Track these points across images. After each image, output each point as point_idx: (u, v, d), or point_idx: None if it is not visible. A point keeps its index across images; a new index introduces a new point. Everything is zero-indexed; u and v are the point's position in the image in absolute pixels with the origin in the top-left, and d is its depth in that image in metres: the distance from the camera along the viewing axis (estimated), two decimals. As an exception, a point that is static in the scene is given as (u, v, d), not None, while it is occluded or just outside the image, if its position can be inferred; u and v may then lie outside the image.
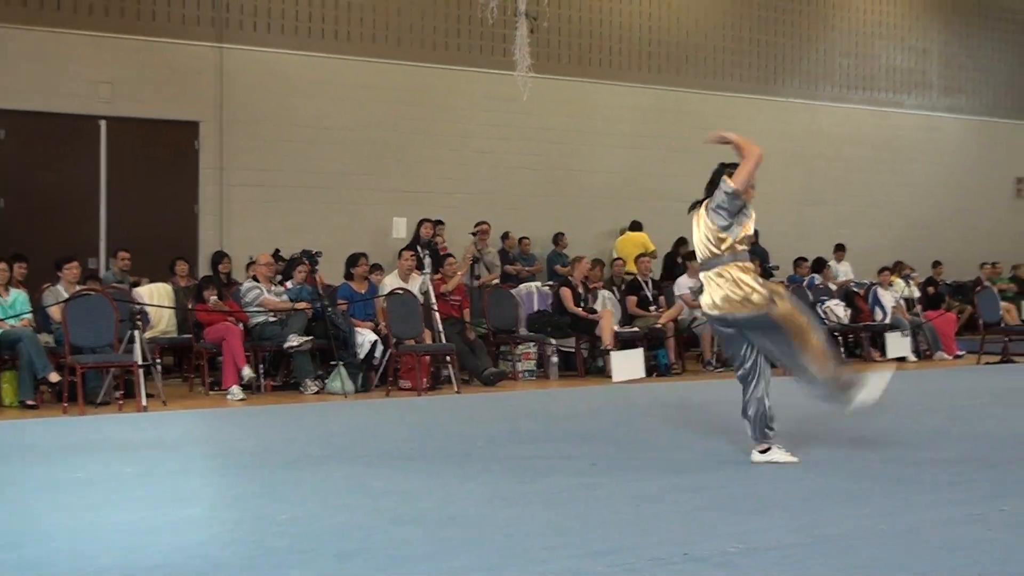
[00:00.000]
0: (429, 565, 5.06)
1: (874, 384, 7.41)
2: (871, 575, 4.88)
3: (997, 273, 22.41)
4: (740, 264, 7.59)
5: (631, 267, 16.98)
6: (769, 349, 7.61)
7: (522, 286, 16.04)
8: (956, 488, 6.82)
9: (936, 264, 22.07)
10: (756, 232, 19.47)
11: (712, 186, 7.88)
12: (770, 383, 7.65)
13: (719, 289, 7.54)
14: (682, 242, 18.82)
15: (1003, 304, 19.14)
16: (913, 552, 5.28)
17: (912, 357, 17.41)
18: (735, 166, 7.81)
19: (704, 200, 7.89)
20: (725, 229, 7.64)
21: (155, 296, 13.69)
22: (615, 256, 18.13)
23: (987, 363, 16.58)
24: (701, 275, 7.77)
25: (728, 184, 7.69)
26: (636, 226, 18.59)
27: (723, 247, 7.62)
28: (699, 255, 7.81)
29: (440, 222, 16.42)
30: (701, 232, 7.75)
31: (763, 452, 7.62)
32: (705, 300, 7.70)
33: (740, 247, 7.68)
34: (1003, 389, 13.05)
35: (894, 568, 4.96)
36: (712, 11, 20.84)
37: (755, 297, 7.42)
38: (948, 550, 5.31)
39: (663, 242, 18.77)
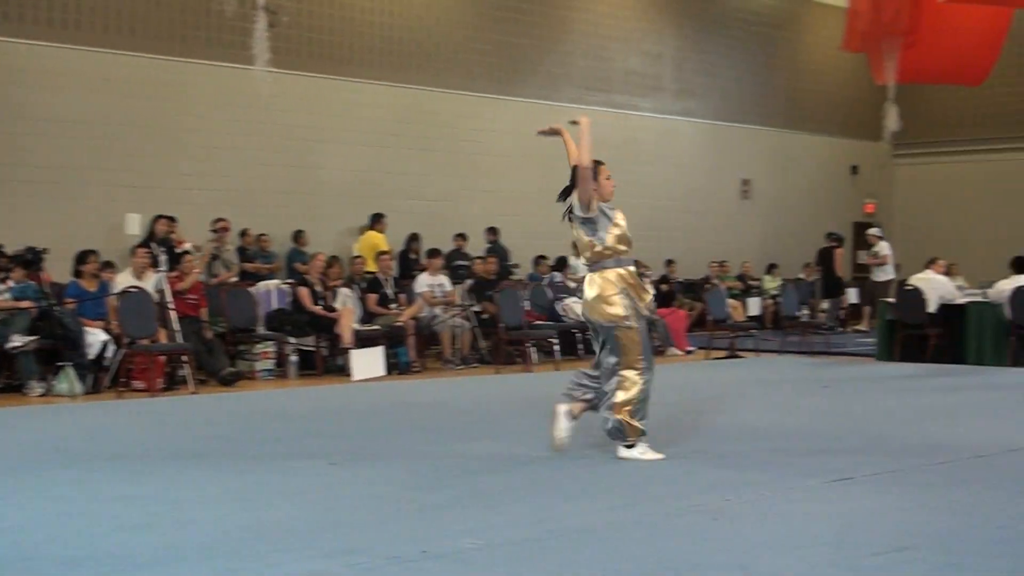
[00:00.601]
0: (158, 571, 4.91)
1: (650, 455, 7.64)
2: (604, 566, 4.97)
3: (725, 272, 23.33)
4: (612, 271, 7.78)
5: (371, 266, 16.90)
6: (601, 355, 7.86)
7: (261, 284, 15.76)
8: (686, 480, 7.03)
9: (669, 262, 22.80)
10: (495, 229, 19.73)
11: (568, 192, 7.99)
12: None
13: (589, 290, 7.81)
14: (415, 238, 18.87)
15: (730, 302, 19.91)
16: (644, 543, 5.41)
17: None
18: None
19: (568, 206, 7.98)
20: (592, 236, 7.83)
21: None
22: (355, 254, 18.02)
23: (715, 358, 17.20)
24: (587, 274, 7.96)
25: (577, 208, 7.86)
26: (375, 223, 18.41)
27: (590, 253, 7.84)
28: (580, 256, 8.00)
29: (173, 219, 15.92)
30: (574, 236, 7.97)
31: (629, 448, 7.71)
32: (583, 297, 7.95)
33: (608, 252, 7.80)
34: (730, 383, 13.55)
35: (625, 559, 5.07)
36: (453, 10, 20.95)
37: (611, 309, 7.64)
38: (673, 540, 5.46)
39: (400, 240, 18.80)
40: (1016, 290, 15.41)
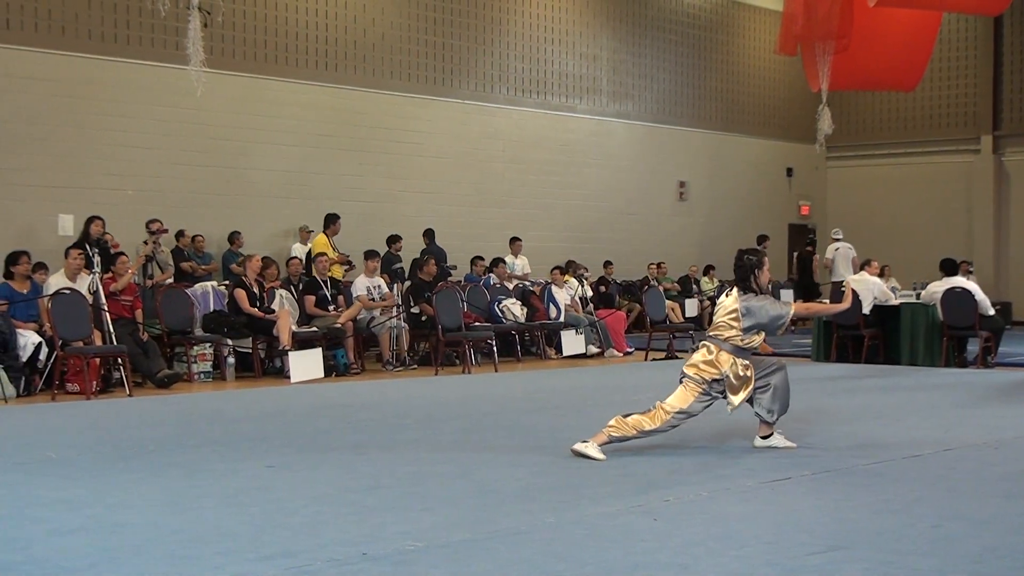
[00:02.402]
0: (93, 575, 4.85)
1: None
2: (543, 568, 4.98)
3: (663, 273, 23.46)
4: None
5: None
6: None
7: (197, 286, 15.64)
8: (625, 481, 7.06)
9: (607, 264, 22.88)
10: (432, 231, 19.73)
11: (742, 271, 8.21)
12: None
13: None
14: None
15: (668, 303, 20.01)
16: (577, 543, 5.43)
17: (585, 354, 17.94)
18: (754, 254, 8.27)
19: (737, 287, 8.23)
20: (747, 332, 8.06)
21: None
22: (291, 255, 17.92)
23: (654, 359, 17.28)
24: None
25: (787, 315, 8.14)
26: (328, 224, 18.18)
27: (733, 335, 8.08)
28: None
29: (99, 218, 15.62)
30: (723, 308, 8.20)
31: (765, 437, 8.21)
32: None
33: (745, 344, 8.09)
34: (668, 384, 13.56)
35: (564, 560, 5.09)
36: (388, 11, 20.90)
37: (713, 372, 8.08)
38: (612, 540, 5.48)
39: (353, 242, 18.70)
40: (947, 292, 15.62)
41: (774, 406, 8.14)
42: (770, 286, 8.36)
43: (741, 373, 7.98)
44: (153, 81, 17.64)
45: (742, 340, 7.99)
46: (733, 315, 8.00)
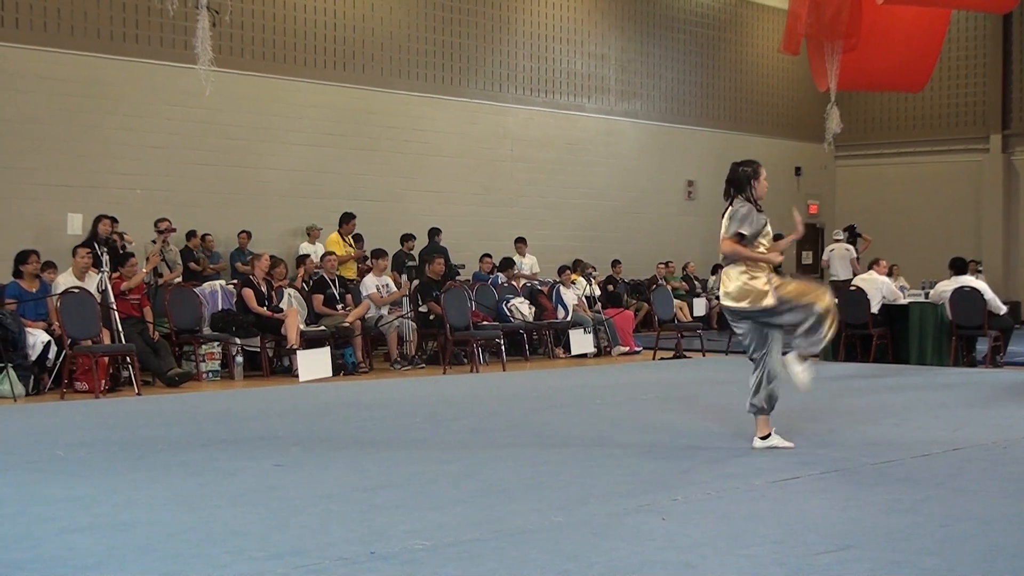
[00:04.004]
0: (102, 573, 4.87)
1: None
2: (551, 567, 4.98)
3: (671, 272, 23.46)
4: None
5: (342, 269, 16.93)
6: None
7: (206, 285, 15.66)
8: (634, 480, 7.06)
9: (615, 263, 22.87)
10: (436, 230, 19.72)
11: (733, 184, 8.16)
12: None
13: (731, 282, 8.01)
14: (358, 238, 18.74)
15: (676, 302, 20.01)
16: (585, 542, 5.42)
17: (593, 353, 17.96)
18: (749, 165, 8.21)
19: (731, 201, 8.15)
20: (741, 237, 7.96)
21: None
22: (301, 253, 17.95)
23: (662, 358, 17.27)
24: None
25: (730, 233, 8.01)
26: (343, 223, 18.23)
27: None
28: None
29: (114, 219, 15.72)
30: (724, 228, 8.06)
31: (764, 439, 8.12)
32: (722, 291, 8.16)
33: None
34: (677, 383, 13.61)
35: (572, 559, 5.09)
36: (397, 10, 20.92)
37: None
38: (620, 539, 5.48)
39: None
40: (956, 291, 15.60)
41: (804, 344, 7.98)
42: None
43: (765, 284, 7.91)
44: (162, 80, 17.68)
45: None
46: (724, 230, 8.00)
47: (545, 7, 23.45)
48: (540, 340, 18.45)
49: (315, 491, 6.71)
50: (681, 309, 20.59)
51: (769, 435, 8.15)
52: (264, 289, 15.00)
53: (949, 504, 6.35)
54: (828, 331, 7.86)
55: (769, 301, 7.84)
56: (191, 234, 17.30)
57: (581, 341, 17.81)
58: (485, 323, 16.74)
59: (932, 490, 6.75)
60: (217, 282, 15.85)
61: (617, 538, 5.51)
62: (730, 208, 8.04)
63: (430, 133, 21.28)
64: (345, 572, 4.91)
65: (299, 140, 19.42)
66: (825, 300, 7.86)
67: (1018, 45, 27.81)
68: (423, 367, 16.10)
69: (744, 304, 7.92)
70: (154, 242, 15.95)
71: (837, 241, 22.82)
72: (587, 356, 17.75)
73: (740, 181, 8.12)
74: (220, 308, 15.15)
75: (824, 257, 22.81)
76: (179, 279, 16.01)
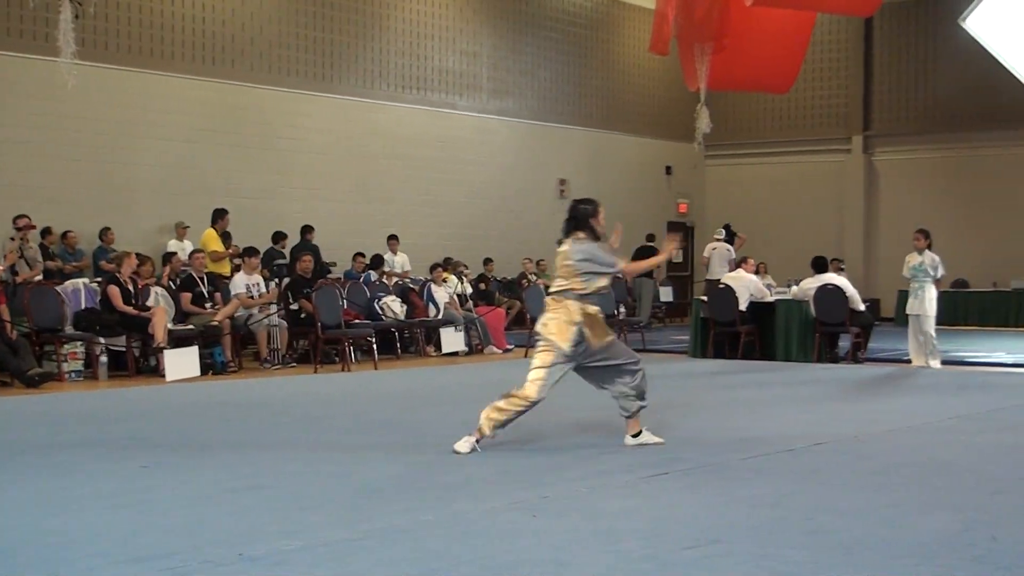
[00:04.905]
0: (-41, 581, 4.73)
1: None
2: (421, 566, 4.98)
3: (542, 270, 23.56)
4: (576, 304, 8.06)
5: (210, 266, 16.63)
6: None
7: (68, 283, 15.31)
8: (504, 478, 7.07)
9: (487, 261, 22.92)
10: (311, 228, 19.55)
11: (572, 222, 8.27)
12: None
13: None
14: (227, 236, 18.49)
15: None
16: (456, 540, 5.42)
17: (464, 351, 17.98)
18: (589, 203, 8.35)
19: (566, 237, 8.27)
20: (585, 279, 8.07)
21: None
22: (169, 251, 17.65)
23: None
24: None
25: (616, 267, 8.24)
26: (216, 219, 17.94)
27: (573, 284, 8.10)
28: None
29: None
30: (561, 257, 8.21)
31: (635, 436, 8.21)
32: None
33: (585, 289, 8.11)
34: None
35: (443, 558, 5.08)
36: (267, 5, 20.68)
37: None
38: (490, 537, 5.49)
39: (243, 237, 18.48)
40: (820, 289, 15.93)
41: (631, 393, 8.15)
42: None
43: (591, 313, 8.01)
44: (22, 73, 17.24)
45: (583, 285, 8.04)
46: (570, 264, 8.07)
47: (417, 4, 23.37)
48: (412, 338, 18.42)
49: (183, 493, 6.60)
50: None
51: (640, 432, 8.24)
52: (130, 287, 14.72)
53: (813, 498, 6.48)
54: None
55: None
56: (46, 231, 16.88)
57: (452, 339, 17.82)
58: (357, 321, 16.65)
59: (797, 484, 6.88)
60: (80, 280, 15.51)
61: (488, 536, 5.51)
62: (574, 245, 8.13)
63: (302, 130, 21.08)
64: (213, 574, 4.84)
65: (167, 136, 19.08)
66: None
67: (879, 48, 28.52)
68: (294, 366, 15.96)
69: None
70: (12, 239, 15.54)
71: (717, 240, 23.15)
72: (458, 354, 17.77)
73: (579, 218, 8.27)
74: (84, 307, 14.82)
75: (705, 255, 23.14)
76: (39, 277, 15.62)
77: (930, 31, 27.79)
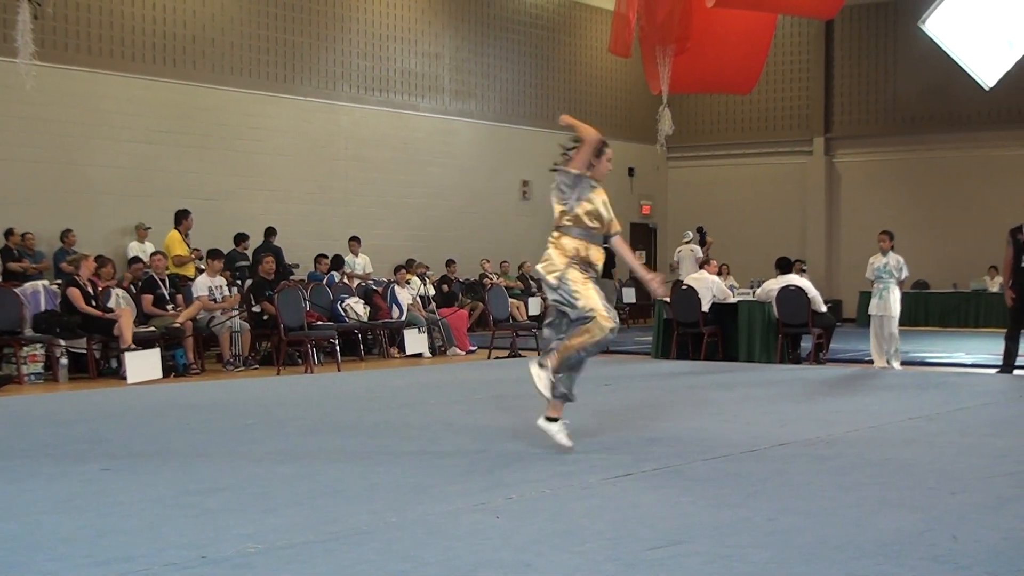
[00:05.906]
0: (-83, 587, 4.67)
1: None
2: (385, 568, 4.96)
3: (505, 271, 23.57)
4: (569, 239, 7.96)
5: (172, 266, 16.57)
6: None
7: (27, 285, 15.19)
8: (468, 479, 7.06)
9: (450, 262, 22.90)
10: (272, 229, 19.45)
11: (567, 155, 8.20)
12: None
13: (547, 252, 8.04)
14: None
15: (512, 301, 20.11)
16: (420, 542, 5.40)
17: (428, 353, 17.96)
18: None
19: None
20: (564, 203, 7.99)
21: None
22: (130, 254, 17.54)
23: (497, 357, 17.34)
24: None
25: (568, 170, 8.05)
26: (179, 221, 17.81)
27: (558, 217, 8.03)
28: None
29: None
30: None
31: (551, 420, 7.97)
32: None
33: (569, 222, 7.98)
34: (512, 382, 13.66)
35: (406, 560, 5.06)
36: (229, 5, 20.60)
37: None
38: (454, 539, 5.48)
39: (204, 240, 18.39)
40: (782, 290, 16.01)
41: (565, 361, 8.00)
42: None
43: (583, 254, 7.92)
44: (-19, 74, 17.09)
45: (567, 221, 7.97)
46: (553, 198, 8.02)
47: (379, 5, 23.34)
48: (375, 340, 18.38)
49: (145, 495, 6.55)
50: (517, 308, 20.71)
51: (557, 421, 8.02)
52: (90, 290, 14.61)
53: (776, 498, 6.50)
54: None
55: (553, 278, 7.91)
56: (8, 232, 16.74)
57: (415, 341, 17.80)
58: (320, 323, 16.60)
59: (760, 485, 6.90)
60: (40, 282, 15.39)
61: (452, 538, 5.50)
62: (555, 177, 8.11)
63: (264, 131, 21.01)
64: (175, 578, 4.81)
65: (128, 137, 18.97)
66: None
67: (840, 51, 28.71)
68: (256, 368, 15.90)
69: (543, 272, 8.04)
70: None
71: (687, 242, 23.22)
72: (422, 356, 17.74)
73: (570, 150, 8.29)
74: (43, 309, 14.71)
75: (675, 258, 23.19)
76: (-1, 279, 15.51)
77: (890, 34, 28.02)
